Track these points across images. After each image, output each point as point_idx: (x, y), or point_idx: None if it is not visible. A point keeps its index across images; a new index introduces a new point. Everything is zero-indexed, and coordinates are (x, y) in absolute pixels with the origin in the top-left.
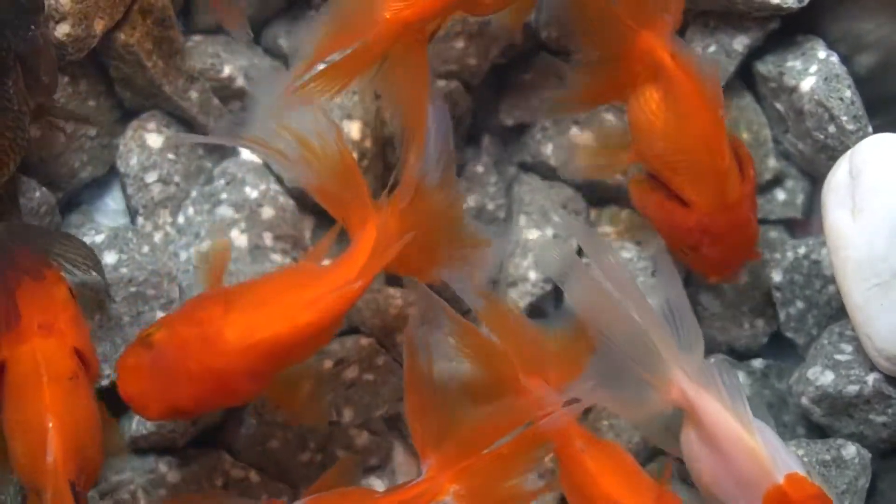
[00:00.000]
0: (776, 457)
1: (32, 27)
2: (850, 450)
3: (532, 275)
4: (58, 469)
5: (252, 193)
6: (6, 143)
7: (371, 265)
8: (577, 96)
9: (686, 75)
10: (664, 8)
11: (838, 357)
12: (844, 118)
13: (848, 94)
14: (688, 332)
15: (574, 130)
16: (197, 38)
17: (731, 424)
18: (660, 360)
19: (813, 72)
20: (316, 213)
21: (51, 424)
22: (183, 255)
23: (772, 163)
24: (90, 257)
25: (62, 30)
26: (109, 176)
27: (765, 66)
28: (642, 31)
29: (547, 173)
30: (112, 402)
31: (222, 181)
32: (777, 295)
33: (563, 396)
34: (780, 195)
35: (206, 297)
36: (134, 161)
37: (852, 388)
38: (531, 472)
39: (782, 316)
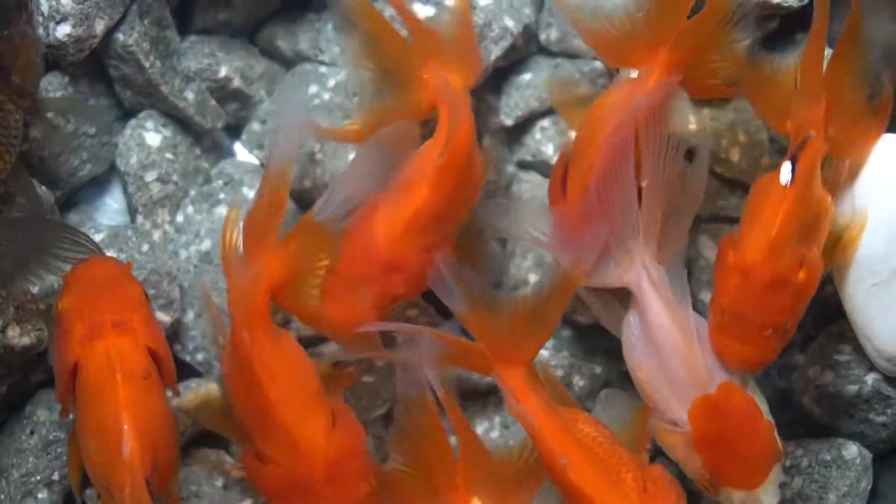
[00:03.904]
0: (713, 367)
1: (10, 26)
2: (852, 450)
3: (532, 277)
4: (135, 464)
5: (250, 194)
6: None
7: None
8: (591, 28)
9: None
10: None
11: (837, 357)
12: None
13: None
14: (672, 238)
15: (573, 134)
16: (192, 38)
17: (673, 326)
18: (635, 235)
19: None
20: None
21: (126, 420)
22: (183, 254)
23: (765, 161)
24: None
25: (63, 30)
26: (109, 175)
27: None
28: (660, 48)
29: (547, 171)
30: None
31: (220, 182)
32: None
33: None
34: None
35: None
36: (133, 160)
37: (852, 388)
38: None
39: None
